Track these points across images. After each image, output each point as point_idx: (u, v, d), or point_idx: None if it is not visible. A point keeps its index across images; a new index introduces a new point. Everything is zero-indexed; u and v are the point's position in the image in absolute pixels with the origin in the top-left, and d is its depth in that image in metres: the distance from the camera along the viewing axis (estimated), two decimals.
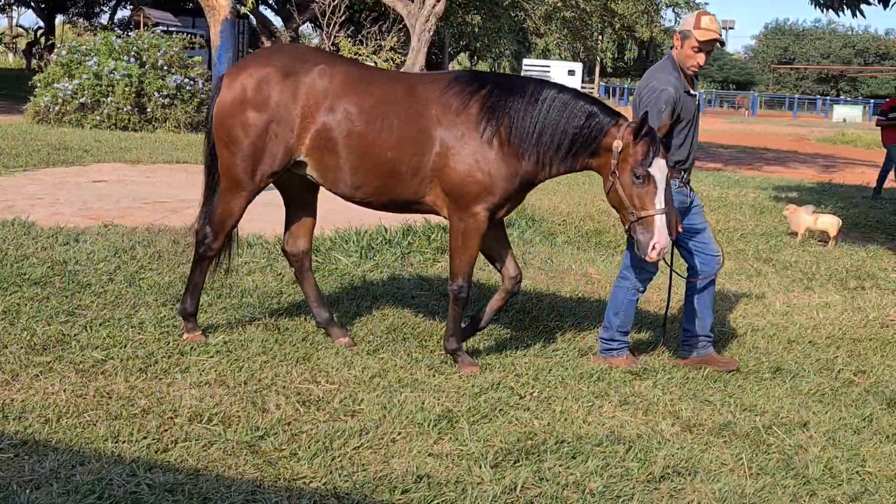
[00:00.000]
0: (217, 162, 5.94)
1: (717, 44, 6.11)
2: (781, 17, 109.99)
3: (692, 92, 6.15)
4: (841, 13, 12.77)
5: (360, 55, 16.09)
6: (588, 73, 65.16)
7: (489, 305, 6.13)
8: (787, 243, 11.50)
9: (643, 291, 6.37)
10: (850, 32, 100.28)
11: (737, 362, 6.36)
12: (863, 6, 12.60)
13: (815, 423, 5.41)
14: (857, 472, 4.75)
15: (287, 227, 6.32)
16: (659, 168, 5.41)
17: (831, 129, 43.90)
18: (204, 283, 6.12)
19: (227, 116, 5.77)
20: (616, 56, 76.32)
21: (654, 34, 33.92)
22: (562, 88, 5.71)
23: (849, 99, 78.86)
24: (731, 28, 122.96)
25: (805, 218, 11.53)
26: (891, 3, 12.61)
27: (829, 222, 11.47)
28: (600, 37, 47.37)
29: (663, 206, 5.44)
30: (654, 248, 5.41)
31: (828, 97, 79.49)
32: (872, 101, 72.19)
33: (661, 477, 4.47)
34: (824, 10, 12.80)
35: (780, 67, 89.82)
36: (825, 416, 5.54)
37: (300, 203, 6.25)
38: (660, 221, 5.41)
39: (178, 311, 6.06)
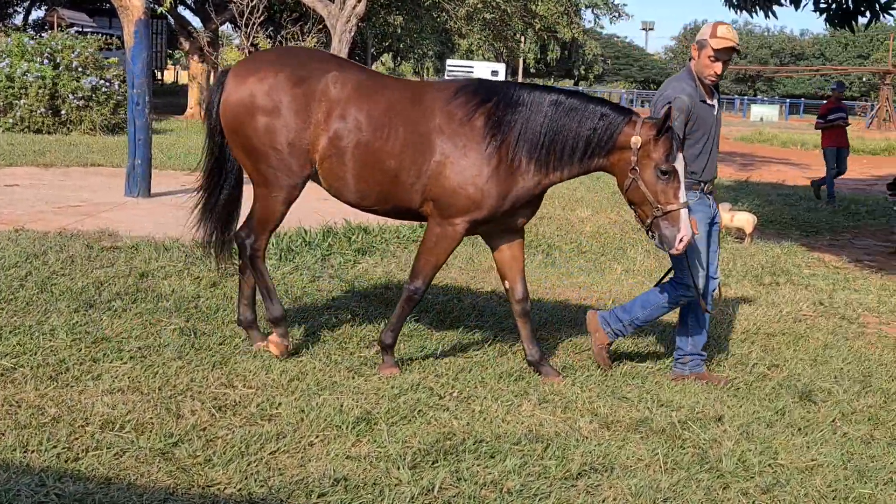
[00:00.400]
0: (218, 157, 5.93)
1: (734, 53, 6.04)
2: (700, 19, 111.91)
3: (709, 102, 6.10)
4: (754, 14, 13.00)
5: None
6: (511, 74, 65.48)
7: (522, 338, 6.01)
8: None
9: (677, 306, 6.29)
10: (766, 33, 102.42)
11: (727, 378, 6.29)
12: (775, 7, 12.85)
13: (729, 417, 5.49)
14: (769, 465, 4.83)
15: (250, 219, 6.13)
16: (679, 162, 5.47)
17: (749, 128, 44.69)
18: (270, 279, 6.01)
19: (239, 123, 5.67)
20: (538, 56, 76.87)
21: (575, 35, 34.19)
22: (569, 93, 5.65)
23: (766, 98, 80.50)
24: (650, 29, 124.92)
25: (721, 216, 11.69)
26: (802, 4, 12.87)
27: (746, 220, 11.68)
28: (522, 37, 47.61)
29: (685, 199, 5.49)
30: (681, 240, 5.45)
31: (745, 97, 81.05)
32: (788, 100, 73.83)
33: (579, 474, 4.49)
34: (738, 11, 13.01)
35: None
36: (739, 410, 5.62)
37: None
38: (684, 214, 5.45)
39: (269, 319, 5.92)
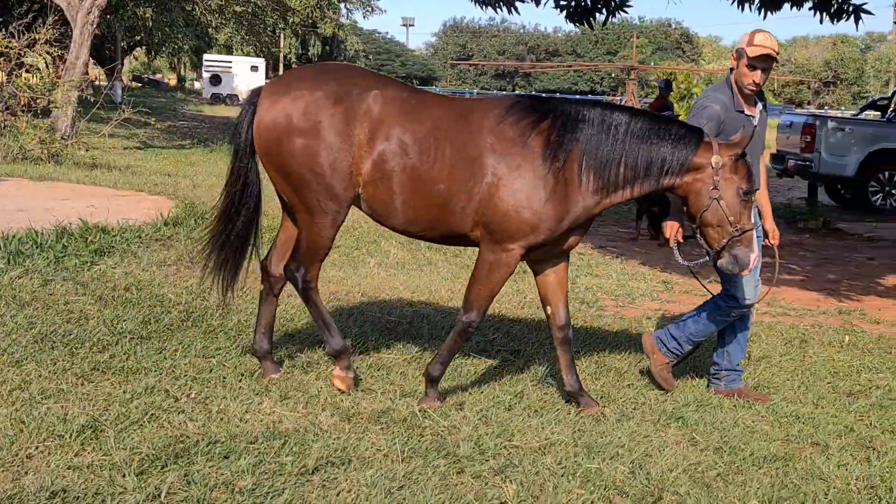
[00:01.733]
0: (244, 180, 5.62)
1: (772, 60, 5.94)
2: (459, 16, 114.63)
3: (747, 112, 6.03)
4: (498, 10, 13.34)
5: (11, 48, 15.02)
6: (273, 69, 64.73)
7: (562, 367, 5.77)
8: None
9: (728, 318, 6.25)
10: (522, 30, 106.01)
11: (767, 396, 6.31)
12: (517, 3, 13.23)
13: (470, 403, 5.58)
14: (504, 447, 4.93)
15: (275, 247, 5.88)
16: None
17: None
18: (327, 312, 5.75)
19: (275, 146, 5.35)
20: (300, 52, 76.42)
21: (335, 30, 34.16)
22: (633, 112, 5.45)
23: (524, 94, 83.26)
24: (411, 25, 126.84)
25: None
26: (543, 2, 13.32)
27: None
28: (281, 32, 47.12)
29: (755, 220, 5.50)
30: (753, 261, 5.43)
31: (504, 91, 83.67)
32: (545, 95, 76.71)
33: (315, 469, 4.43)
34: (483, 6, 13.33)
35: (459, 63, 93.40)
36: (481, 396, 5.73)
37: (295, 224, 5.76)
38: (755, 235, 5.46)
39: (330, 353, 5.70)
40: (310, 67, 5.94)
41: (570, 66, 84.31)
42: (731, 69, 6.12)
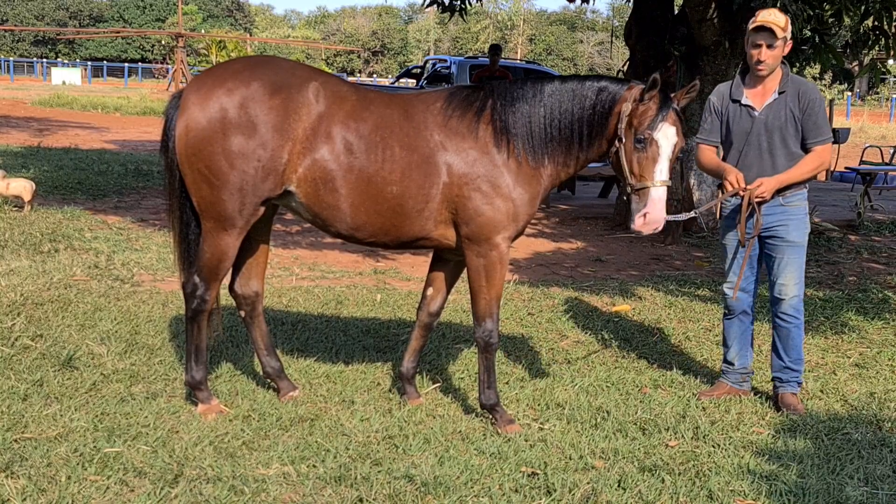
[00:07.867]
0: (182, 192, 5.08)
1: (774, 35, 5.41)
2: None
3: (744, 101, 5.53)
4: None
5: None
6: None
7: (409, 349, 5.76)
8: None
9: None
10: None
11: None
12: None
13: None
14: (16, 440, 4.65)
15: (236, 266, 5.42)
16: (666, 135, 4.83)
17: (49, 92, 43.32)
18: (206, 342, 5.32)
19: (205, 144, 4.84)
20: None
21: None
22: (564, 78, 5.17)
23: (67, 62, 78.80)
24: None
25: None
26: None
27: (23, 187, 11.19)
28: None
29: (665, 178, 4.86)
30: (643, 218, 4.84)
31: (46, 59, 78.60)
32: (91, 63, 73.21)
33: None
34: None
35: None
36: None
37: (252, 237, 5.29)
38: (656, 194, 4.83)
39: (186, 383, 5.36)
40: (238, 60, 5.40)
41: (118, 33, 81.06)
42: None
